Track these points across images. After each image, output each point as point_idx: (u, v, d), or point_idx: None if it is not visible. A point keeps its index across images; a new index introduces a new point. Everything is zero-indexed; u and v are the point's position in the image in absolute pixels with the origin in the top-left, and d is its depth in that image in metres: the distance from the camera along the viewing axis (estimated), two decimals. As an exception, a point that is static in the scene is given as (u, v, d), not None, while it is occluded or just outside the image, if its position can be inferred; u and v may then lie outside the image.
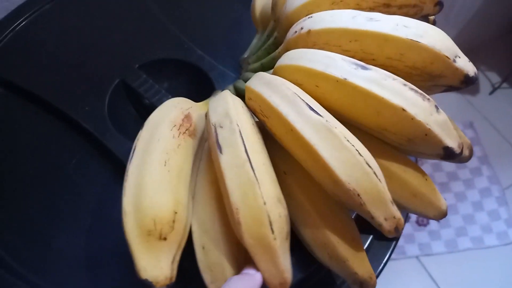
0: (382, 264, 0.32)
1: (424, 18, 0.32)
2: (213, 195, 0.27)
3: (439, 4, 0.31)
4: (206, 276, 0.26)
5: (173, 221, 0.25)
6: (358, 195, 0.24)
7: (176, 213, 0.25)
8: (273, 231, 0.24)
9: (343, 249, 0.27)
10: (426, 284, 0.89)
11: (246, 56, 0.37)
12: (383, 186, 0.24)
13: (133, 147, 0.27)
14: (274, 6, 0.35)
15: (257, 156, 0.25)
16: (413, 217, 0.95)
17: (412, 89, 0.25)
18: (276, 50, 0.33)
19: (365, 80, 0.25)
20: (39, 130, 0.37)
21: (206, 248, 0.26)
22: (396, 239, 0.33)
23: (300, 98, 0.25)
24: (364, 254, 0.27)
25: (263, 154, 0.26)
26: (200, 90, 0.38)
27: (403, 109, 0.25)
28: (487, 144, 1.05)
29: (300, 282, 0.30)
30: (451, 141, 0.26)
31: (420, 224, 0.95)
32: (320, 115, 0.24)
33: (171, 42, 0.41)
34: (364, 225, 0.27)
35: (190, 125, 0.29)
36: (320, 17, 0.28)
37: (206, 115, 0.28)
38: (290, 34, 0.30)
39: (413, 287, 0.89)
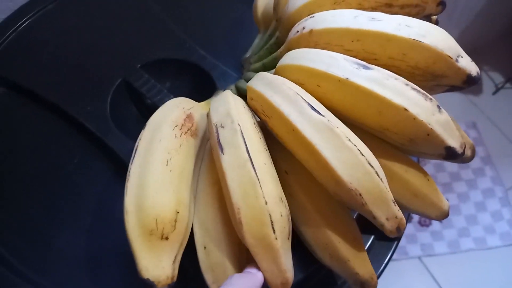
0: (384, 265, 0.32)
1: (427, 18, 0.32)
2: (214, 195, 0.27)
3: (442, 4, 0.31)
4: (208, 276, 0.26)
5: (175, 221, 0.25)
6: (360, 195, 0.24)
7: (178, 212, 0.25)
8: (274, 231, 0.23)
9: (344, 249, 0.27)
10: (428, 285, 0.89)
11: (247, 55, 0.37)
12: (385, 186, 0.24)
13: (135, 147, 0.27)
14: (276, 6, 0.35)
15: (259, 155, 0.25)
16: (416, 217, 0.95)
17: (414, 89, 0.25)
18: (278, 50, 0.33)
19: (367, 80, 0.25)
20: (41, 129, 0.37)
21: (208, 248, 0.26)
22: (398, 239, 0.33)
23: (302, 98, 0.25)
24: (365, 254, 0.27)
25: (264, 154, 0.26)
26: (202, 90, 0.38)
27: (405, 109, 0.24)
28: (490, 144, 1.04)
29: (300, 282, 0.30)
30: (453, 141, 0.26)
31: (423, 224, 0.95)
32: (321, 115, 0.24)
33: (173, 42, 0.41)
34: (366, 225, 0.27)
35: (192, 125, 0.29)
36: (322, 17, 0.28)
37: (208, 115, 0.28)
38: (292, 34, 0.30)
39: (415, 288, 0.89)
